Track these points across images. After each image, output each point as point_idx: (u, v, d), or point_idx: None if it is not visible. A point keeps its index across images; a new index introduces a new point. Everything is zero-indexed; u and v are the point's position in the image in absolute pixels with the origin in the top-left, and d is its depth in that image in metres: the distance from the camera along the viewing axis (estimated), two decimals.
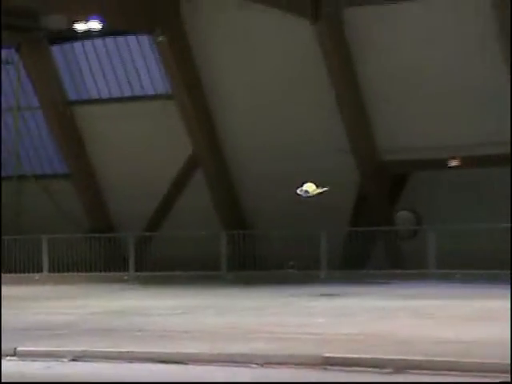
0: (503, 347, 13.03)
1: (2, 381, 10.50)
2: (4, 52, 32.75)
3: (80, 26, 29.03)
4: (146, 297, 25.67)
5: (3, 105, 35.23)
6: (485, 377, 11.36)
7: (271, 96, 31.86)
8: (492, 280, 26.96)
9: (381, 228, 31.92)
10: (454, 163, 30.89)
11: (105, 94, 33.87)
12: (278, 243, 32.05)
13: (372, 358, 12.58)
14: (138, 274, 31.92)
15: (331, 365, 12.53)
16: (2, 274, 31.48)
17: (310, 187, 21.42)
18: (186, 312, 20.69)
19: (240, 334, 16.38)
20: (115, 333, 16.91)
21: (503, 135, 29.59)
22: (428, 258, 29.86)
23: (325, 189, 22.42)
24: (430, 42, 29.67)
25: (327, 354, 12.72)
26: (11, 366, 13.11)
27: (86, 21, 28.74)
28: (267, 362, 12.94)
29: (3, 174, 36.06)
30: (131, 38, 32.41)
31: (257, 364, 12.89)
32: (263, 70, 31.71)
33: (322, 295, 24.66)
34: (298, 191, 21.65)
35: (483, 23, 28.84)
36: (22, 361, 13.80)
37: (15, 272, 32.66)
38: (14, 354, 14.24)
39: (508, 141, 29.31)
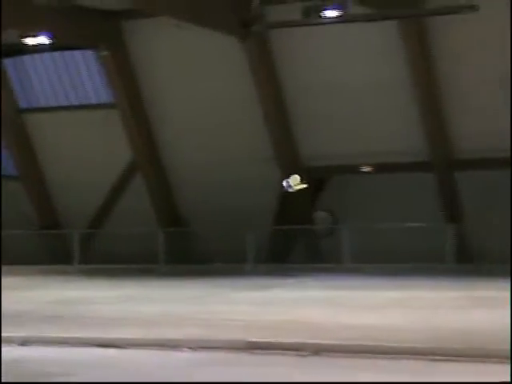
0: (405, 331, 13.74)
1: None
2: None
3: (30, 41, 28.03)
4: (90, 288, 25.49)
5: None
6: (391, 358, 11.65)
7: (204, 108, 31.90)
8: (401, 273, 27.23)
9: (302, 226, 32.25)
10: (366, 169, 31.36)
11: (53, 103, 33.62)
12: (210, 239, 32.21)
13: (292, 343, 12.80)
14: (82, 266, 31.94)
15: (255, 349, 12.68)
16: None
17: (294, 180, 21.14)
18: (124, 301, 20.60)
19: (173, 321, 16.42)
20: (61, 320, 16.80)
21: (410, 146, 30.10)
22: (343, 254, 30.31)
23: (304, 186, 22.56)
24: (349, 62, 29.80)
25: (252, 339, 12.98)
26: None
27: (36, 36, 27.76)
28: (198, 346, 13.02)
29: None
30: (78, 53, 32.29)
31: (189, 348, 12.97)
32: (197, 85, 31.61)
33: (248, 286, 24.65)
34: (284, 183, 21.53)
35: (392, 50, 29.14)
36: None
37: None
38: None
39: (415, 151, 29.93)
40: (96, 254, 33.29)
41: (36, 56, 32.47)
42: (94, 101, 33.11)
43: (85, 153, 33.28)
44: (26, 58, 32.75)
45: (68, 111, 33.37)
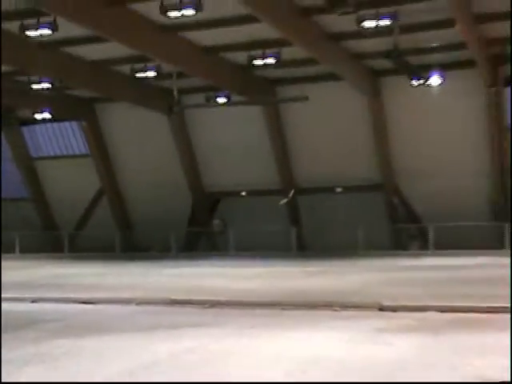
0: (266, 291, 14.40)
1: None
2: None
3: (38, 116, 29.84)
4: (74, 267, 25.34)
5: None
6: (257, 308, 12.02)
7: (148, 159, 33.04)
8: (264, 257, 27.19)
9: (204, 229, 33.36)
10: (243, 193, 32.37)
11: (52, 153, 35.03)
12: (148, 237, 32.91)
13: (198, 299, 13.12)
14: (70, 254, 33.05)
15: (176, 304, 12.92)
16: None
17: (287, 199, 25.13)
18: (94, 275, 20.72)
19: (126, 287, 16.31)
20: (55, 287, 16.62)
21: (267, 177, 31.48)
22: (230, 246, 31.58)
23: (286, 199, 27.42)
24: (230, 127, 30.73)
25: (173, 297, 13.36)
26: None
27: (41, 112, 29.54)
28: (141, 302, 13.28)
29: None
30: (67, 123, 34.04)
31: (135, 304, 13.18)
32: (141, 144, 32.77)
33: (171, 266, 24.49)
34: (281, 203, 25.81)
35: (258, 120, 29.80)
36: None
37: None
38: None
39: (272, 181, 31.10)
40: (78, 246, 34.45)
41: (42, 125, 34.08)
42: (77, 152, 34.60)
43: (71, 182, 34.42)
44: (37, 126, 34.31)
45: (62, 158, 34.94)
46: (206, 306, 12.61)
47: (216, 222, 33.22)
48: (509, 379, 6.64)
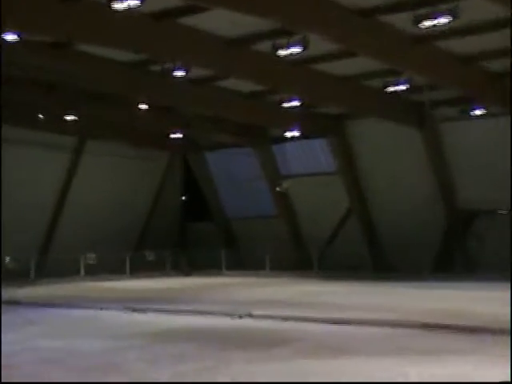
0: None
1: None
2: (246, 149, 34.91)
3: (288, 134, 30.71)
4: (322, 286, 24.86)
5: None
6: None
7: (397, 175, 32.15)
8: None
9: (459, 248, 31.56)
10: (503, 211, 30.22)
11: (302, 170, 35.10)
12: (402, 253, 31.55)
13: (455, 324, 12.65)
14: (319, 271, 32.50)
15: (427, 327, 12.59)
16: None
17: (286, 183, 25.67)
18: (342, 294, 20.63)
19: (373, 308, 16.28)
20: (303, 305, 16.86)
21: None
22: (487, 267, 29.47)
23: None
24: (493, 139, 28.99)
25: (425, 321, 13.10)
26: (249, 322, 13.53)
27: (291, 130, 30.15)
28: (390, 324, 13.06)
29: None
30: (315, 140, 33.94)
31: (386, 327, 12.92)
32: (393, 161, 32.09)
33: (423, 287, 23.70)
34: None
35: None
36: (254, 320, 14.17)
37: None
38: (250, 315, 14.74)
39: None
40: (327, 263, 33.44)
41: (289, 143, 34.28)
42: (325, 169, 34.27)
43: (319, 199, 34.23)
44: (286, 145, 34.56)
45: (310, 176, 34.98)
46: (464, 331, 12.36)
47: (471, 242, 31.51)
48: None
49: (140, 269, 33.32)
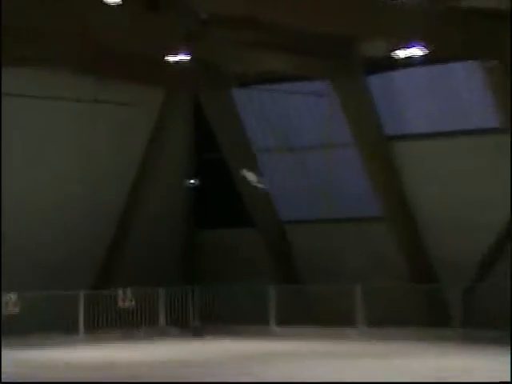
0: None
1: None
2: (314, 84, 24.63)
3: (400, 53, 20.83)
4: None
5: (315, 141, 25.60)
6: None
7: None
8: None
9: None
10: None
11: (426, 129, 24.11)
12: None
13: None
14: (464, 330, 22.19)
15: None
16: (313, 328, 23.68)
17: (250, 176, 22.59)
18: None
19: None
20: None
21: None
22: None
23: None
24: None
25: None
26: None
27: (407, 47, 20.65)
28: None
29: (313, 217, 25.72)
30: (456, 66, 22.91)
31: None
32: None
33: None
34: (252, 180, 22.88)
35: None
36: None
37: (326, 325, 23.17)
38: None
39: None
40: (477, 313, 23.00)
41: (406, 71, 23.41)
42: (478, 125, 23.01)
43: (462, 187, 23.19)
44: (394, 74, 23.90)
45: (447, 138, 23.60)
46: None
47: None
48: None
49: (104, 323, 23.43)
